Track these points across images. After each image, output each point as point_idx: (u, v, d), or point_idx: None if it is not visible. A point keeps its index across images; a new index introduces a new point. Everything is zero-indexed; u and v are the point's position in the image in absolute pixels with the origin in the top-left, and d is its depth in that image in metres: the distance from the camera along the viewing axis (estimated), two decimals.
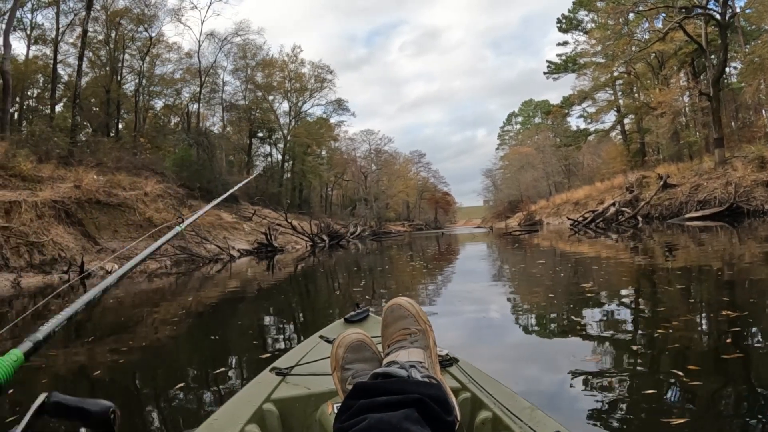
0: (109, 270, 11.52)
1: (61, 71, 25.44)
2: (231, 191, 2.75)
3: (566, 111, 43.31)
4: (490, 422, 1.22)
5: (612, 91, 38.34)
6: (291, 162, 43.78)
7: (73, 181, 14.16)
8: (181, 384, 2.84)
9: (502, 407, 1.21)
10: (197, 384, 2.97)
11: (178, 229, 1.72)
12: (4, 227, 10.30)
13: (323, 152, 50.88)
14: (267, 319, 5.36)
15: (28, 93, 25.63)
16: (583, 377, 2.42)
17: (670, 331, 3.14)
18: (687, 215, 19.16)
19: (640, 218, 21.70)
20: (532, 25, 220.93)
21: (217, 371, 3.12)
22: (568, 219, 26.72)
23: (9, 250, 10.05)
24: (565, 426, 1.10)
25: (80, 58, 23.52)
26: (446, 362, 1.49)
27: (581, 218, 25.23)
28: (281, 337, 4.35)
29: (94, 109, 27.13)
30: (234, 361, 3.53)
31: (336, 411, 1.07)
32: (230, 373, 3.13)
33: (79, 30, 23.88)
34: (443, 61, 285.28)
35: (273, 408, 1.33)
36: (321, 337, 1.85)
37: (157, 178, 19.27)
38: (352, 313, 2.03)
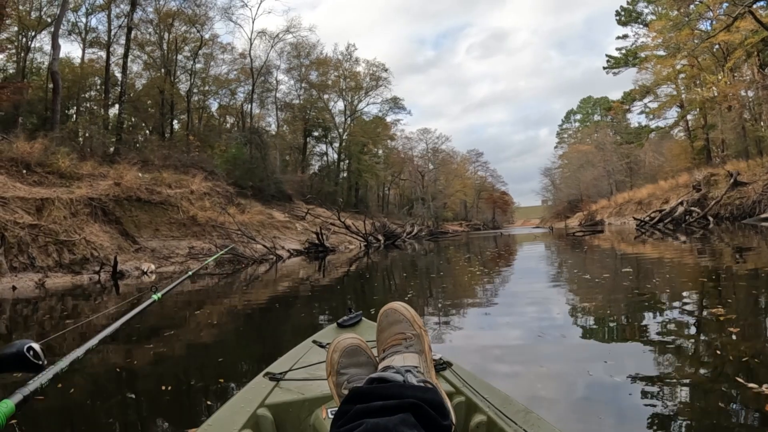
0: (145, 270, 10.65)
1: (117, 74, 25.64)
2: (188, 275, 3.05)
3: (627, 107, 41.43)
4: (484, 425, 1.19)
5: (674, 86, 36.42)
6: (347, 161, 43.27)
7: (114, 178, 13.53)
8: (182, 386, 2.90)
9: (497, 410, 1.19)
10: (198, 388, 2.89)
11: (153, 297, 1.83)
12: (32, 225, 9.61)
13: (380, 151, 50.28)
14: (292, 327, 4.60)
15: (85, 95, 25.92)
16: (643, 386, 2.29)
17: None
18: (762, 215, 17.95)
19: (710, 218, 20.52)
20: (596, 24, 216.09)
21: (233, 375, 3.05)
22: (634, 219, 25.66)
23: (36, 249, 9.37)
24: (561, 428, 1.06)
25: (125, 56, 23.77)
26: (440, 366, 1.44)
27: (648, 218, 24.13)
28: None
29: (150, 110, 27.23)
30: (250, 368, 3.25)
31: (330, 416, 1.14)
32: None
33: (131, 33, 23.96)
34: (509, 62, 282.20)
35: (267, 413, 1.29)
36: (314, 341, 1.80)
37: (205, 175, 18.61)
38: (345, 317, 1.97)
